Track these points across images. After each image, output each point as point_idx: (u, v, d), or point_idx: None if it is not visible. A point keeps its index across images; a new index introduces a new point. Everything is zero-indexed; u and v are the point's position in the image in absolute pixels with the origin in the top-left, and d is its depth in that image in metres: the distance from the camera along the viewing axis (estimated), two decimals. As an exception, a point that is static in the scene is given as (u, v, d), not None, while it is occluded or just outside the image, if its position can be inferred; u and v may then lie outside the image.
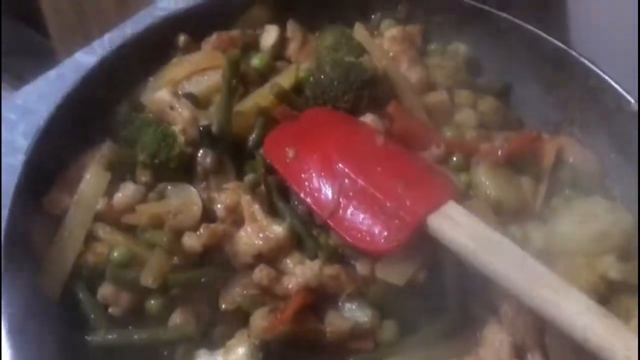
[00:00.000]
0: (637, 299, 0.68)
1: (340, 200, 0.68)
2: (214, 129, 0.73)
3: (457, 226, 0.65)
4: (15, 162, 1.03)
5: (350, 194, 0.68)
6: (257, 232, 0.69)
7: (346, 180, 0.69)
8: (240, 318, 0.67)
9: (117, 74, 0.80)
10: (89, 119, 0.76)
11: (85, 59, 1.18)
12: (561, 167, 0.82)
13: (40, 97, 1.11)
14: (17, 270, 0.64)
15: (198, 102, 0.80)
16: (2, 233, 0.64)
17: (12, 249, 0.64)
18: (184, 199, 0.71)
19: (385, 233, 0.66)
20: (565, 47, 0.84)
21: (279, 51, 0.89)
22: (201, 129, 0.72)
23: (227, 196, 0.71)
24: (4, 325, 0.59)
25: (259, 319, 0.65)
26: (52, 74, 1.14)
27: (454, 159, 0.79)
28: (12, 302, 0.61)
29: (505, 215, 0.75)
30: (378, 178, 0.69)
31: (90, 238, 0.69)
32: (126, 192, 0.72)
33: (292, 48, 0.89)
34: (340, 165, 0.70)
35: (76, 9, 2.42)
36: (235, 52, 0.76)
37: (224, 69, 0.75)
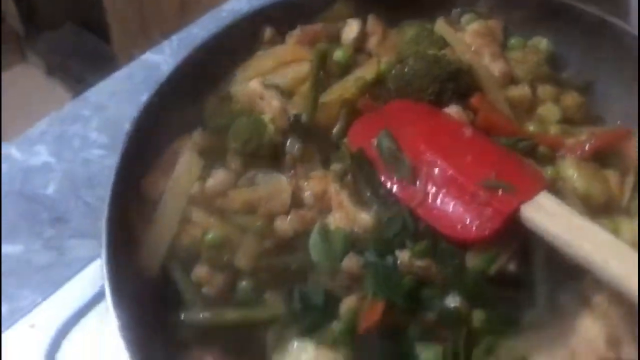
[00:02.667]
0: None
1: (429, 189, 0.69)
2: (303, 117, 0.74)
3: (551, 216, 0.64)
4: (89, 156, 1.09)
5: (440, 182, 0.69)
6: (345, 219, 0.70)
7: (435, 170, 0.70)
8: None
9: (205, 65, 0.82)
10: (180, 108, 0.79)
11: (153, 58, 1.23)
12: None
13: (111, 94, 1.16)
14: (119, 250, 0.66)
15: (282, 93, 0.82)
16: (106, 214, 0.67)
17: (114, 230, 0.67)
18: (274, 186, 0.73)
19: (477, 221, 0.66)
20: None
21: (359, 45, 0.90)
22: (291, 118, 0.74)
23: (314, 184, 0.73)
24: (111, 301, 0.61)
25: (348, 306, 0.66)
26: (122, 72, 1.19)
27: (540, 151, 0.79)
28: (115, 280, 0.64)
29: (593, 209, 0.74)
30: (468, 167, 0.69)
31: (185, 221, 0.72)
32: (218, 178, 0.74)
33: (372, 42, 0.90)
34: (429, 154, 0.71)
35: (139, 15, 2.49)
36: (324, 45, 0.78)
37: (313, 60, 0.76)
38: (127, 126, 1.11)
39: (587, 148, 0.79)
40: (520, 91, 0.86)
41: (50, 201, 1.02)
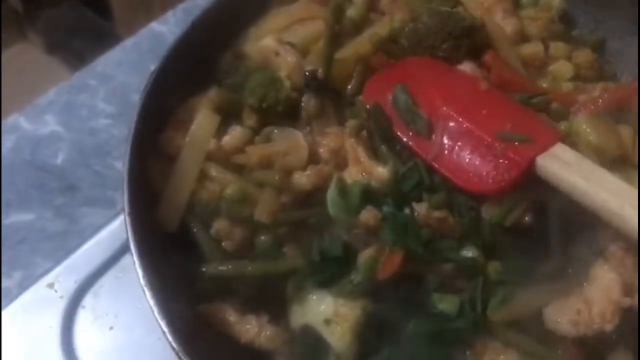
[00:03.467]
0: None
1: (445, 142, 0.69)
2: (319, 72, 0.74)
3: (567, 166, 0.65)
4: (97, 125, 1.09)
5: (456, 135, 0.69)
6: (361, 173, 0.71)
7: (451, 123, 0.70)
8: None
9: (219, 23, 0.82)
10: (195, 67, 0.79)
11: (159, 28, 1.23)
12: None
13: (118, 64, 1.16)
14: (140, 205, 0.67)
15: (297, 50, 0.81)
16: (126, 172, 0.67)
17: (134, 186, 0.68)
18: (291, 142, 0.74)
19: (494, 173, 0.66)
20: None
21: (372, 3, 0.89)
22: (307, 74, 0.74)
23: (330, 139, 0.73)
24: (135, 252, 0.62)
25: (366, 258, 0.67)
26: (129, 42, 1.19)
27: (554, 106, 0.79)
28: (137, 233, 0.65)
29: (606, 162, 0.75)
30: (484, 120, 0.70)
31: (203, 177, 0.72)
32: (235, 134, 0.74)
33: (384, 0, 0.90)
34: (445, 108, 0.71)
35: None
36: (338, 0, 0.78)
37: (328, 13, 0.76)
38: (133, 96, 1.12)
39: (600, 103, 0.79)
40: (533, 48, 0.86)
41: (60, 170, 1.03)
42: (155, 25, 1.24)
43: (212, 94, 0.77)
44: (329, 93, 0.77)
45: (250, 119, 0.76)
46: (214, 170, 0.72)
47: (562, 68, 0.85)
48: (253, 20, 0.85)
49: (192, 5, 1.27)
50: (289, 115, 0.76)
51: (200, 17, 0.79)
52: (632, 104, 0.81)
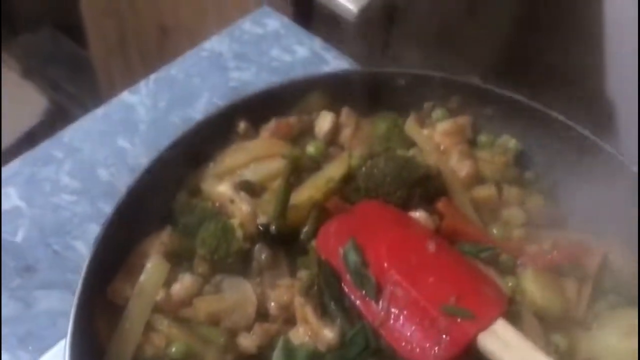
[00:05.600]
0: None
1: (392, 309, 0.71)
2: (272, 228, 0.75)
3: (507, 348, 0.66)
4: (59, 200, 1.09)
5: (402, 304, 0.70)
6: (308, 334, 0.71)
7: (398, 289, 0.71)
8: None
9: (177, 159, 0.82)
10: (150, 205, 0.79)
11: (130, 98, 1.24)
12: (606, 272, 0.84)
13: (86, 134, 1.16)
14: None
15: (254, 189, 0.82)
16: (71, 324, 0.67)
17: (78, 340, 0.67)
18: (240, 295, 0.74)
19: (436, 348, 0.67)
20: (615, 153, 0.86)
21: (332, 137, 0.91)
22: (260, 228, 0.75)
23: (280, 294, 0.74)
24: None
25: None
26: (98, 112, 1.20)
27: (502, 258, 0.81)
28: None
29: (550, 323, 0.77)
30: (430, 289, 0.71)
31: (149, 329, 0.72)
32: (184, 283, 0.74)
33: (345, 134, 0.92)
34: (393, 272, 0.72)
35: (118, 30, 2.48)
36: (296, 152, 0.79)
37: (285, 167, 0.77)
38: (99, 171, 1.12)
39: (548, 259, 0.81)
40: (487, 192, 0.88)
41: (18, 249, 1.01)
42: (126, 95, 1.24)
43: (165, 237, 0.77)
44: (283, 241, 0.78)
45: (202, 267, 0.76)
46: (159, 323, 0.72)
47: (514, 214, 0.87)
48: (214, 153, 0.86)
49: (164, 75, 1.29)
50: (242, 263, 0.77)
51: (159, 156, 0.80)
52: (579, 261, 0.83)
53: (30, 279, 0.99)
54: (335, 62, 1.31)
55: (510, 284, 0.79)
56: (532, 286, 0.79)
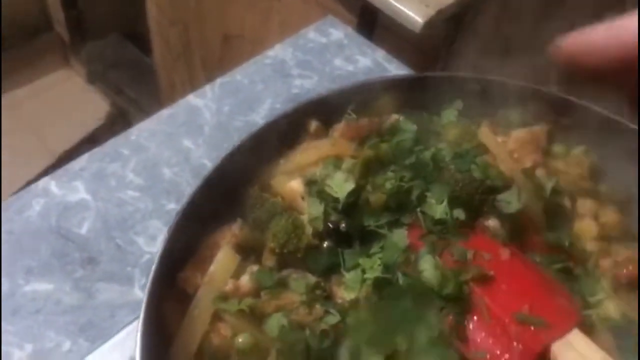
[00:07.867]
0: None
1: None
2: (342, 227, 0.75)
3: (582, 357, 0.64)
4: (123, 196, 1.11)
5: (474, 310, 0.69)
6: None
7: (470, 295, 0.70)
8: None
9: (251, 155, 0.83)
10: (221, 201, 0.81)
11: (196, 101, 1.27)
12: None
13: (152, 134, 1.19)
14: (153, 350, 0.67)
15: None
16: (143, 310, 0.68)
17: (149, 326, 0.68)
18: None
19: (507, 355, 0.66)
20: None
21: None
22: (330, 226, 0.75)
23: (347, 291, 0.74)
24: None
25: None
26: (164, 113, 1.22)
27: (575, 272, 0.79)
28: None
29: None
30: (502, 297, 0.69)
31: (216, 318, 0.73)
32: (253, 275, 0.75)
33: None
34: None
35: (183, 38, 2.54)
36: (368, 152, 0.79)
37: (357, 167, 0.77)
38: (163, 170, 1.15)
39: (622, 274, 0.78)
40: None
41: (83, 240, 1.04)
42: (192, 98, 1.27)
43: (236, 229, 0.78)
44: (350, 242, 0.77)
45: (270, 260, 0.76)
46: (227, 314, 0.73)
47: (587, 227, 0.85)
48: (283, 153, 0.86)
49: (229, 80, 1.31)
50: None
51: (231, 151, 0.81)
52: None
53: (92, 271, 1.02)
54: (397, 73, 1.31)
55: (584, 297, 0.76)
56: (607, 300, 0.76)
